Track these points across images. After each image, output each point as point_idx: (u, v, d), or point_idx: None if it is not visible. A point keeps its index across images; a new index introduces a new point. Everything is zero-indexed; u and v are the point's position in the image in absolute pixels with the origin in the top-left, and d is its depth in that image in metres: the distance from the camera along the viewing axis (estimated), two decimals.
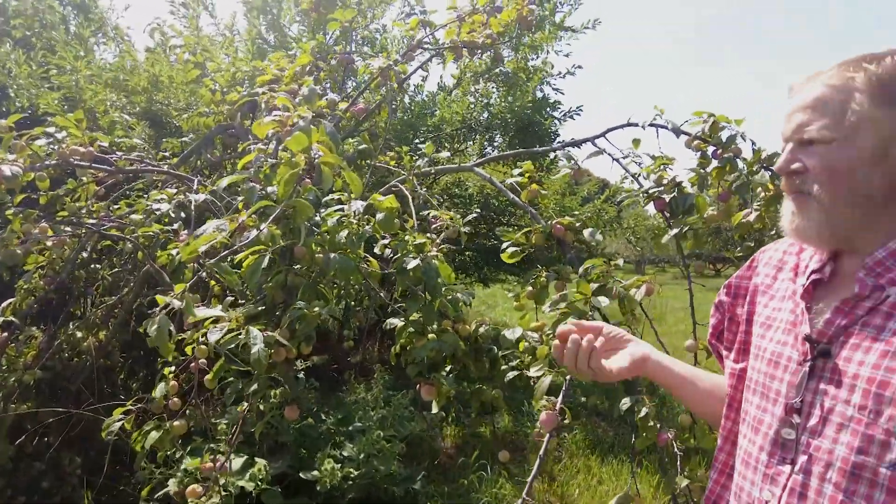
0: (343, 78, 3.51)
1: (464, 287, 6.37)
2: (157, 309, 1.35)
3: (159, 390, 1.82)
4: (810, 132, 0.87)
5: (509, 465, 3.44)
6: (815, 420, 0.83)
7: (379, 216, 1.86)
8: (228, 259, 1.76)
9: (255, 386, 1.73)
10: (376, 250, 1.98)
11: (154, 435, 1.85)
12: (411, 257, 1.77)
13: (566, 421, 1.65)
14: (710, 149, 2.13)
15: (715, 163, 2.10)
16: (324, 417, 3.39)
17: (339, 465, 2.81)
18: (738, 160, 2.07)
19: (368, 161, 2.85)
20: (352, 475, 2.86)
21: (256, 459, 2.70)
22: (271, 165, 1.90)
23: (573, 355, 1.06)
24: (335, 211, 1.92)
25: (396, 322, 1.87)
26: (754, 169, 2.02)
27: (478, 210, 4.59)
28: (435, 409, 1.75)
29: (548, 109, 4.67)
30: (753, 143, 2.06)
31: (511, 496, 3.25)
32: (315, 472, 2.72)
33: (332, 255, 1.84)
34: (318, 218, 2.03)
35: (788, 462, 0.86)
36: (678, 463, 1.78)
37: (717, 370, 1.19)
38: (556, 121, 4.74)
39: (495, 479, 3.40)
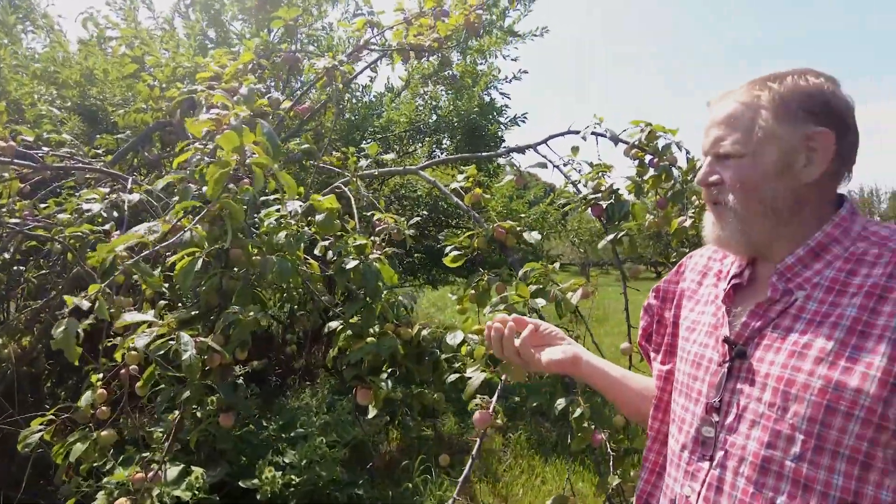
0: (288, 77, 3.45)
1: (413, 289, 6.37)
2: (66, 310, 1.29)
3: (85, 399, 1.73)
4: (725, 147, 0.92)
5: (454, 467, 3.44)
6: (732, 418, 0.87)
7: (319, 217, 1.84)
8: (164, 262, 1.70)
9: (187, 393, 1.67)
10: (317, 252, 1.95)
11: (79, 447, 1.76)
12: (351, 258, 1.75)
13: (499, 420, 1.67)
14: (648, 157, 2.20)
15: (652, 171, 2.17)
16: (265, 424, 3.32)
17: (281, 472, 2.75)
18: (673, 169, 2.14)
19: (312, 162, 2.81)
20: (293, 482, 2.80)
21: (193, 468, 2.61)
22: (207, 165, 1.85)
23: (499, 339, 1.09)
24: (273, 212, 1.88)
25: (335, 325, 1.84)
26: (689, 177, 2.10)
27: (426, 212, 4.59)
28: (372, 414, 1.74)
29: (494, 114, 4.72)
30: (688, 153, 2.14)
31: (464, 500, 3.26)
32: (255, 480, 2.65)
33: (271, 257, 1.80)
34: (259, 219, 1.99)
35: (707, 458, 0.89)
36: (611, 463, 1.83)
37: (649, 372, 1.23)
38: (502, 126, 4.80)
39: (440, 481, 3.40)
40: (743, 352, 0.89)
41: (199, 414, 2.30)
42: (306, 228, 1.87)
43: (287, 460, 2.88)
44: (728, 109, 0.93)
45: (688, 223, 1.98)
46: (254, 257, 1.88)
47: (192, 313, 1.83)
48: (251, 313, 1.76)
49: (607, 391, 1.15)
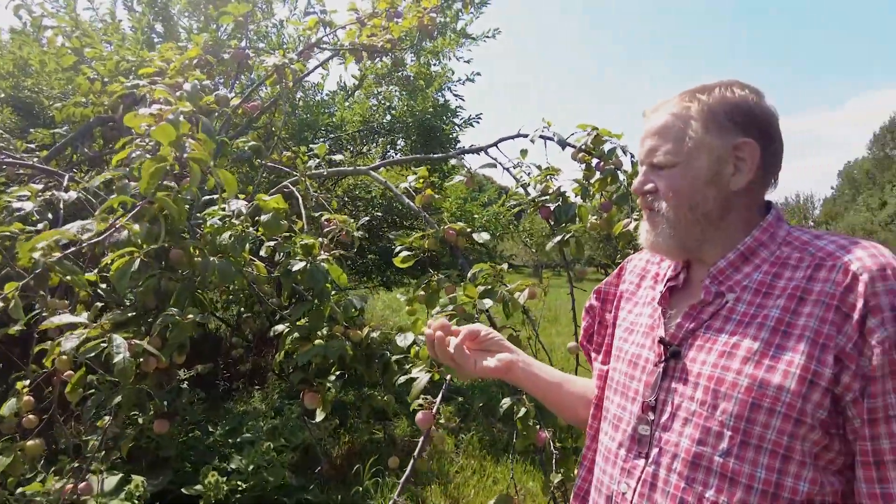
0: (237, 74, 3.37)
1: (367, 291, 6.31)
2: None
3: (8, 407, 1.64)
4: (658, 157, 0.96)
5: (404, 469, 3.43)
6: (667, 416, 0.90)
7: (265, 217, 1.80)
8: (102, 262, 1.62)
9: (119, 398, 1.61)
10: (262, 253, 1.91)
11: (3, 459, 1.67)
12: (298, 260, 1.72)
13: (443, 420, 1.67)
14: (594, 161, 2.24)
15: (598, 174, 2.21)
16: (211, 429, 3.23)
17: (226, 478, 2.67)
18: (619, 172, 2.19)
19: (260, 161, 2.75)
20: (240, 488, 2.73)
21: (133, 477, 2.51)
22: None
23: (432, 344, 1.09)
24: (217, 211, 1.83)
25: (281, 328, 1.81)
26: (633, 181, 2.16)
27: (380, 213, 4.56)
28: (320, 417, 1.71)
29: (449, 115, 4.73)
30: (633, 157, 2.19)
31: (405, 500, 3.25)
32: (199, 487, 2.57)
33: (213, 258, 1.75)
34: (202, 218, 1.93)
35: (643, 456, 0.92)
36: (554, 461, 1.85)
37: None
38: (456, 127, 4.82)
39: (391, 484, 3.38)
40: (677, 352, 0.92)
41: (140, 420, 2.22)
42: (251, 229, 1.83)
43: (233, 466, 2.81)
44: (661, 121, 0.97)
45: (632, 226, 2.03)
46: (195, 258, 1.83)
47: (128, 315, 1.77)
48: (190, 316, 1.71)
49: (545, 397, 1.17)
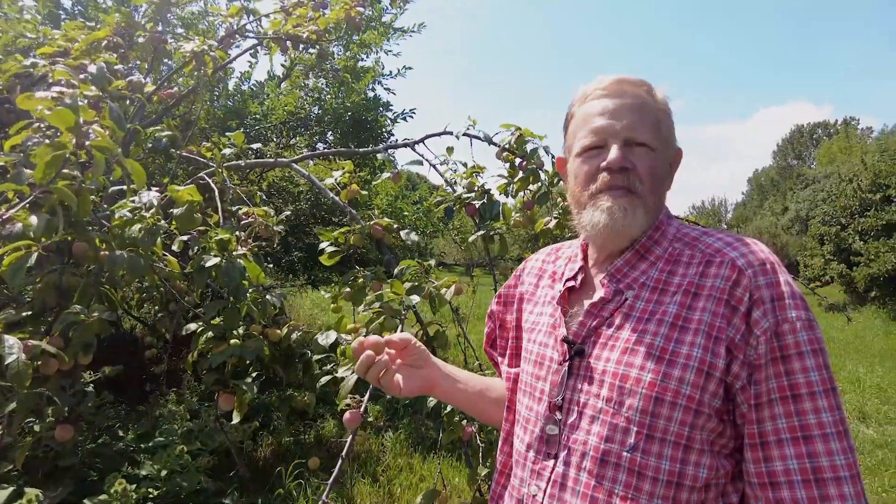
0: (153, 59, 3.19)
1: (293, 290, 6.15)
2: None
3: None
4: (643, 136, 0.92)
5: (329, 469, 3.37)
6: (574, 415, 0.91)
7: (177, 210, 1.71)
8: None
9: (13, 405, 1.48)
10: (175, 247, 1.81)
11: None
12: (212, 255, 1.64)
13: (371, 418, 1.65)
14: (518, 160, 2.28)
15: (521, 173, 2.25)
16: (122, 434, 3.04)
17: (136, 485, 2.53)
18: (540, 172, 2.24)
19: (176, 151, 2.61)
20: (151, 495, 2.59)
21: (27, 489, 2.32)
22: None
23: (364, 368, 1.02)
24: (126, 203, 1.72)
25: (194, 326, 1.72)
26: (554, 180, 2.21)
27: (305, 207, 4.45)
28: (236, 419, 1.64)
29: (380, 109, 4.69)
30: (553, 157, 2.24)
31: (332, 501, 3.19)
32: (103, 497, 2.42)
33: (121, 252, 1.65)
34: (110, 211, 1.81)
35: (552, 457, 0.92)
36: (480, 454, 1.87)
37: None
38: (389, 121, 4.78)
39: (315, 486, 3.31)
40: (581, 350, 0.93)
41: (36, 427, 2.05)
42: (163, 222, 1.73)
43: (144, 472, 2.66)
44: (640, 101, 0.94)
45: (552, 224, 2.08)
46: (102, 252, 1.71)
47: (24, 314, 1.63)
48: (96, 314, 1.60)
49: (468, 409, 1.17)
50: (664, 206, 0.99)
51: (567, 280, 1.02)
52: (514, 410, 1.10)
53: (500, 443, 1.12)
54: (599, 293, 0.95)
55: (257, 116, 4.33)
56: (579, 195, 0.97)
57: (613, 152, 0.92)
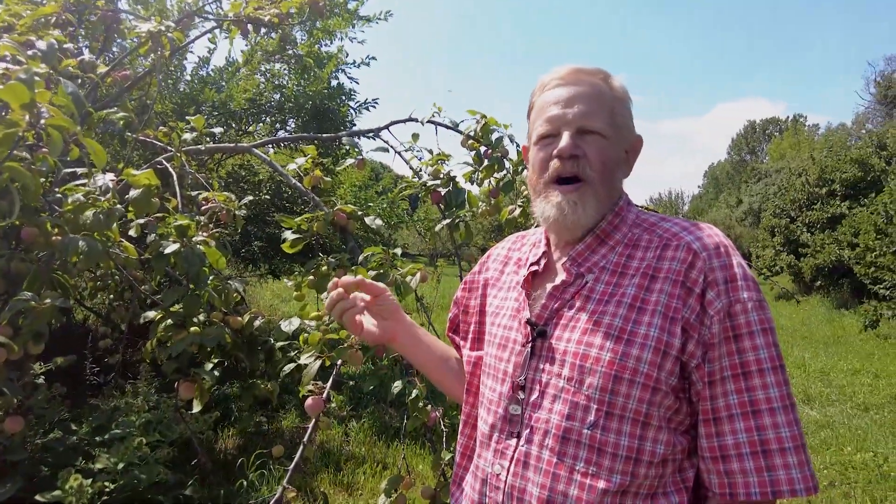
0: (105, 39, 3.06)
1: (254, 279, 6.04)
2: None
3: None
4: (595, 123, 0.94)
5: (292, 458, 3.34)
6: (536, 395, 0.93)
7: (134, 192, 1.65)
8: None
9: None
10: (132, 233, 1.76)
11: None
12: (171, 241, 1.60)
13: (334, 404, 1.65)
14: (483, 148, 2.29)
15: (486, 162, 2.26)
16: (75, 428, 2.94)
17: (91, 479, 2.45)
18: (505, 160, 2.26)
19: (132, 135, 2.52)
20: (107, 489, 2.52)
21: None
22: None
23: (332, 303, 1.08)
24: (79, 187, 1.66)
25: (153, 314, 1.68)
26: (519, 169, 2.23)
27: (268, 196, 4.37)
28: (197, 408, 1.61)
29: (343, 98, 4.63)
30: (517, 145, 2.26)
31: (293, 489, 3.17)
32: (57, 493, 2.34)
33: (75, 237, 1.59)
34: (62, 194, 1.74)
35: (515, 436, 0.94)
36: (444, 439, 1.89)
37: None
38: (351, 110, 4.72)
39: (278, 475, 3.29)
40: (543, 331, 0.95)
41: None
42: (119, 206, 1.67)
43: (100, 466, 2.58)
44: (592, 89, 0.96)
45: (517, 212, 2.10)
46: (54, 237, 1.64)
47: None
48: (48, 301, 1.54)
49: (427, 371, 1.21)
50: (623, 194, 1.02)
51: (531, 265, 1.04)
52: (474, 393, 1.12)
53: (460, 426, 1.14)
54: (561, 277, 0.97)
55: (215, 103, 4.22)
56: (535, 183, 1.01)
57: (564, 140, 0.94)
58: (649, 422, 0.86)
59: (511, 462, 0.93)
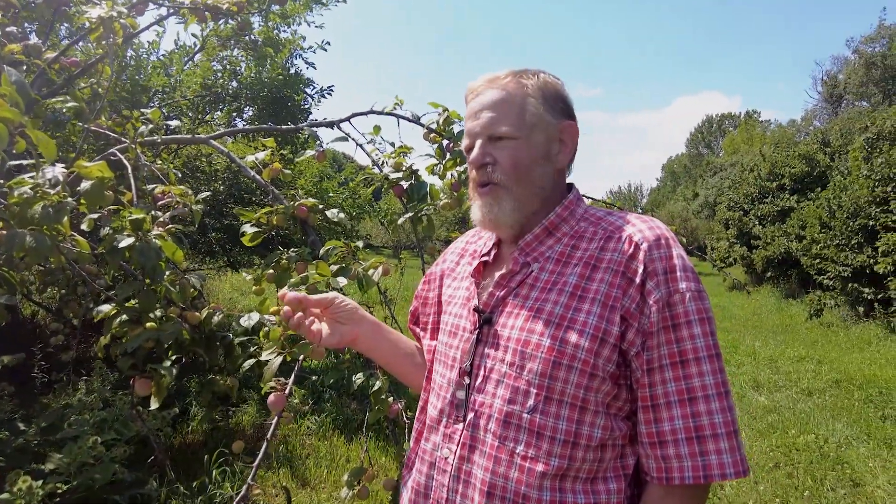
0: (52, 23, 2.93)
1: (212, 272, 5.91)
2: None
3: None
4: (500, 129, 0.99)
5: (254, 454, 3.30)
6: (480, 380, 0.96)
7: (86, 184, 1.60)
8: None
9: None
10: (84, 227, 1.70)
11: None
12: (125, 235, 1.55)
13: (297, 400, 1.64)
14: (445, 141, 2.30)
15: (448, 155, 2.27)
16: (24, 428, 2.84)
17: (42, 481, 2.38)
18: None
19: (83, 125, 2.44)
20: (60, 490, 2.45)
21: None
22: None
23: (285, 320, 1.09)
24: (26, 179, 1.59)
25: (106, 308, 1.64)
26: None
27: (223, 187, 4.28)
28: (154, 405, 1.58)
29: (301, 85, 4.55)
30: None
31: (258, 485, 3.14)
32: (5, 495, 2.26)
33: (21, 231, 1.53)
34: (6, 187, 1.67)
35: (461, 420, 0.97)
36: (406, 430, 1.90)
37: None
38: (308, 97, 4.65)
39: (240, 470, 3.25)
40: (489, 318, 0.99)
41: None
42: (70, 200, 1.62)
43: (51, 467, 2.50)
44: (498, 95, 1.00)
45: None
46: None
47: None
48: None
49: (393, 367, 1.23)
50: (574, 189, 1.06)
51: (482, 256, 1.08)
52: (431, 380, 1.14)
53: (417, 412, 1.17)
54: (509, 266, 1.01)
55: (166, 90, 4.10)
56: (469, 191, 1.07)
57: (474, 151, 1.01)
58: (586, 406, 0.89)
59: (458, 446, 0.96)
